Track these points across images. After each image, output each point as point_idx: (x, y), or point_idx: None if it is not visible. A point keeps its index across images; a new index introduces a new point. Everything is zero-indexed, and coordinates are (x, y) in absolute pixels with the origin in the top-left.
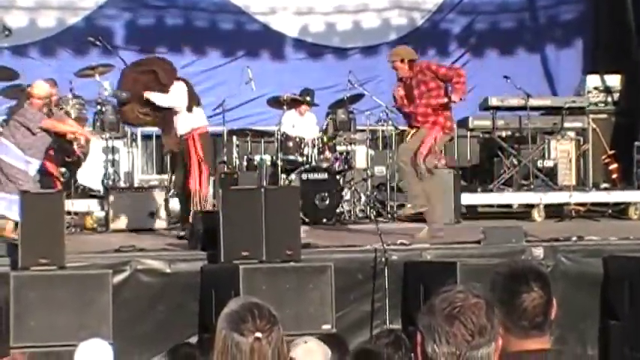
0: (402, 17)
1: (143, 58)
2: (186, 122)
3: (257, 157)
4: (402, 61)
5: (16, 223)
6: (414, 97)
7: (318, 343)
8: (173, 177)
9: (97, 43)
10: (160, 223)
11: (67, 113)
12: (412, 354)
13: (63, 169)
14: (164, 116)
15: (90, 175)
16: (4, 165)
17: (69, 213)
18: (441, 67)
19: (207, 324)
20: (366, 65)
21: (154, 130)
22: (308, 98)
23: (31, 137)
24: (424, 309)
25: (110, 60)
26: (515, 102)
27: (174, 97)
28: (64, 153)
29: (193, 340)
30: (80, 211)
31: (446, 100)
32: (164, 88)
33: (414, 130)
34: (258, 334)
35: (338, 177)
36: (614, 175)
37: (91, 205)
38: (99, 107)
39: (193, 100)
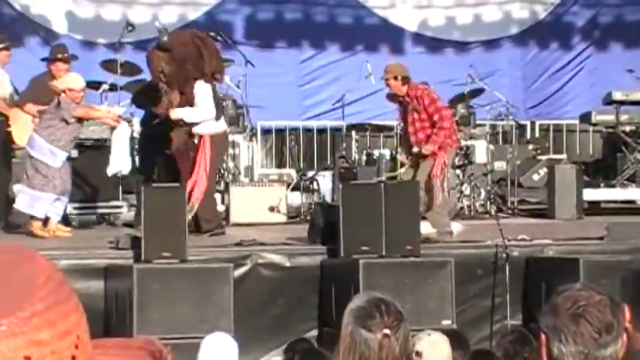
0: (523, 10)
1: (209, 39)
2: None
3: (376, 152)
4: (396, 78)
5: (44, 221)
6: (408, 120)
7: (441, 335)
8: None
9: (218, 37)
10: (280, 217)
11: None
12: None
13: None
14: (182, 103)
15: (119, 160)
16: (33, 160)
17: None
18: (431, 104)
19: (327, 318)
20: (487, 59)
21: (273, 124)
22: None
23: (64, 128)
24: (546, 309)
25: (230, 55)
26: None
27: (205, 109)
28: None
29: (313, 334)
30: None
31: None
32: (201, 73)
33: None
34: (387, 331)
35: (458, 172)
36: None
37: None
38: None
39: (219, 107)
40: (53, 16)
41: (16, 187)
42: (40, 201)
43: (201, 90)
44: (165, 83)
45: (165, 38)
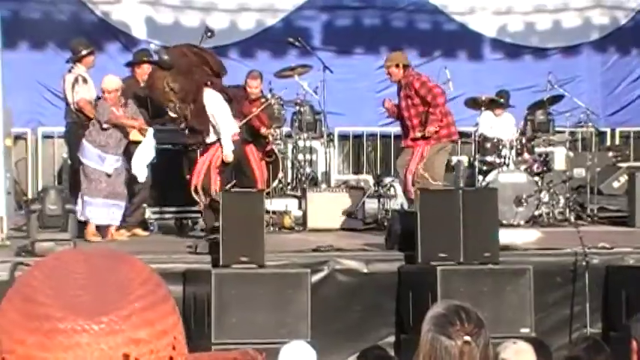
0: (604, 16)
1: (202, 46)
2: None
3: (454, 159)
4: (397, 66)
5: (97, 226)
6: (402, 106)
7: (527, 344)
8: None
9: (296, 43)
10: (357, 223)
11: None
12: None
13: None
14: (197, 112)
15: (137, 168)
16: (84, 167)
17: (267, 212)
18: (421, 86)
19: (404, 325)
20: (566, 65)
21: (351, 130)
22: (502, 100)
23: (103, 133)
24: (638, 317)
25: (308, 61)
26: None
27: (225, 123)
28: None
29: (389, 340)
30: (278, 210)
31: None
32: (210, 78)
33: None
34: (467, 338)
35: (536, 179)
36: None
37: (289, 205)
38: (297, 107)
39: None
40: (133, 22)
41: None
42: (90, 206)
43: (212, 100)
44: (179, 100)
45: (165, 57)
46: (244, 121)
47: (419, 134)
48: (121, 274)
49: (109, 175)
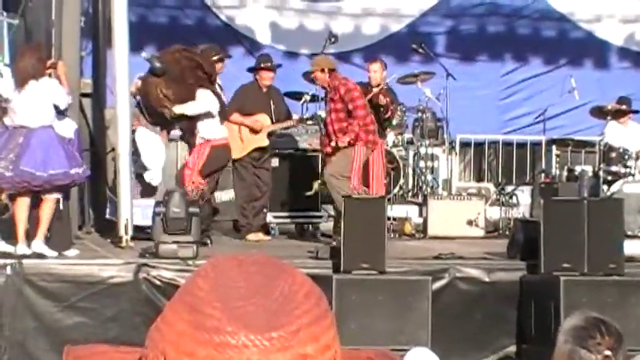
0: None
1: (194, 49)
2: (206, 130)
3: (578, 168)
4: (323, 70)
5: None
6: (326, 111)
7: None
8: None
9: (420, 50)
10: (478, 232)
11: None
12: None
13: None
14: (192, 116)
15: (152, 170)
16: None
17: (388, 218)
18: (346, 93)
19: (526, 335)
20: None
21: (472, 137)
22: (624, 107)
23: None
24: None
25: (431, 67)
26: None
27: (205, 102)
28: None
29: (510, 350)
30: (399, 217)
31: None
32: (204, 82)
33: (334, 149)
34: (608, 352)
35: None
36: None
37: (410, 211)
38: (419, 114)
39: (223, 111)
40: (258, 27)
41: (217, 194)
42: None
43: (203, 98)
44: (174, 105)
45: (158, 64)
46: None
47: (333, 143)
48: (283, 286)
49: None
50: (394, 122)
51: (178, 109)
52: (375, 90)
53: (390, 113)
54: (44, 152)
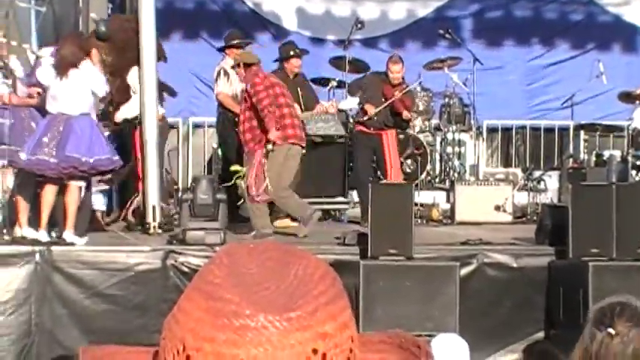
0: None
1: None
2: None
3: (606, 153)
4: (238, 65)
5: None
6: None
7: None
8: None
9: (447, 35)
10: (506, 217)
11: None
12: None
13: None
14: (124, 89)
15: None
16: None
17: (415, 204)
18: (252, 87)
19: (554, 320)
20: None
21: (500, 122)
22: None
23: None
24: None
25: (458, 53)
26: None
27: (136, 104)
28: None
29: (539, 335)
30: (426, 203)
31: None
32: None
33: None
34: (613, 330)
35: None
36: None
37: (437, 197)
38: (446, 100)
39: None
40: (284, 13)
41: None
42: None
43: (136, 73)
44: (109, 73)
45: (103, 28)
46: (386, 104)
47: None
48: (298, 269)
49: None
50: (421, 108)
51: (120, 114)
52: (397, 94)
53: (408, 116)
54: (88, 139)
